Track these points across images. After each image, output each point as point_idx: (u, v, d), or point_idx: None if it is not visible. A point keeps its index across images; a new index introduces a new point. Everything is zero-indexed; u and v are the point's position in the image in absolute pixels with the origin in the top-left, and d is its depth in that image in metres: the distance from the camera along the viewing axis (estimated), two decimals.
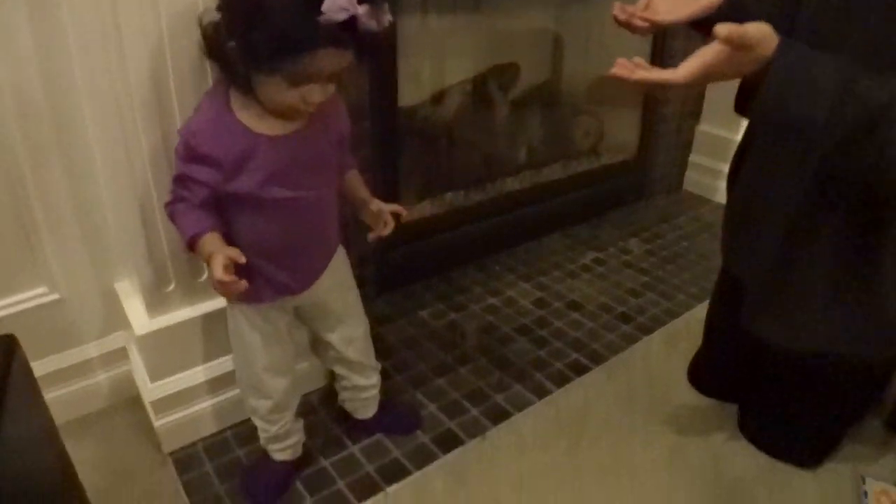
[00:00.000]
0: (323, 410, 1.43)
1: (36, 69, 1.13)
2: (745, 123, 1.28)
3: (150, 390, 1.27)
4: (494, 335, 1.70)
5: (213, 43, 0.92)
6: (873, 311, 1.13)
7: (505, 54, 2.23)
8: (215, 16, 0.92)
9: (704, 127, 2.52)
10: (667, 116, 2.39)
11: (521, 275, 1.98)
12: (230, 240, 1.01)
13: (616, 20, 1.13)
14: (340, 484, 1.26)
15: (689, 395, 1.51)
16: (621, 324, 1.76)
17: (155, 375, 1.28)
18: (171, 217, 1.03)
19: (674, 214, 2.42)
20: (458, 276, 1.97)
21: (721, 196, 1.34)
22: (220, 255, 0.94)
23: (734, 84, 1.08)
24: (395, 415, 1.39)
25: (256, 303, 1.10)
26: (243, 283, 0.95)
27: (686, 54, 0.90)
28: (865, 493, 1.26)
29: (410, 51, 1.75)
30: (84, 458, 1.28)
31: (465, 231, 1.98)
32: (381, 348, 1.62)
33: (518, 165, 2.22)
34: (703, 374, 1.52)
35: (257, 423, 1.22)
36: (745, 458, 1.35)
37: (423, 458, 1.32)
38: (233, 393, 1.34)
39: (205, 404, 1.33)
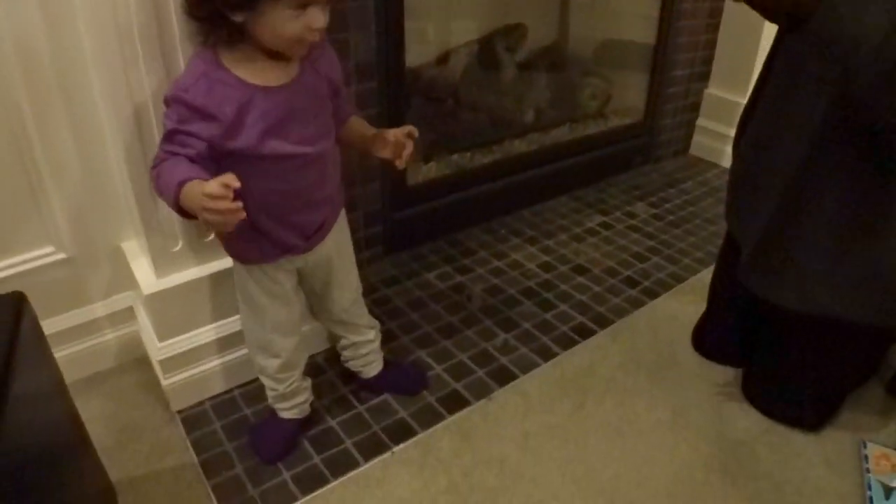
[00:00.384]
0: (330, 371, 1.44)
1: (38, 18, 1.12)
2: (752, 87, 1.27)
3: (158, 350, 1.28)
4: (500, 298, 1.70)
5: None
6: (877, 276, 1.14)
7: (513, 15, 2.20)
8: None
9: (713, 90, 2.49)
10: (675, 79, 2.37)
11: (527, 238, 1.98)
12: (245, 206, 1.00)
13: None
14: (347, 443, 1.27)
15: (693, 358, 1.52)
16: (627, 287, 1.77)
17: (162, 335, 1.28)
18: (157, 178, 0.94)
19: (680, 179, 2.41)
20: (464, 237, 1.96)
21: (728, 160, 1.33)
22: (212, 182, 0.85)
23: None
24: (401, 375, 1.40)
25: (262, 263, 1.10)
26: (240, 209, 0.85)
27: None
28: (866, 457, 1.27)
29: (418, 10, 1.73)
30: (93, 415, 1.31)
31: (471, 193, 1.97)
32: (388, 310, 1.64)
33: (525, 127, 2.20)
34: (707, 338, 1.52)
35: (265, 382, 1.23)
36: (747, 420, 1.36)
37: (429, 419, 1.33)
38: (241, 352, 1.34)
39: (213, 364, 1.34)
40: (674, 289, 1.76)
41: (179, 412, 1.33)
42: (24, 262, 1.27)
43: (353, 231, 1.66)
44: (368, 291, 1.67)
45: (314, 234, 1.11)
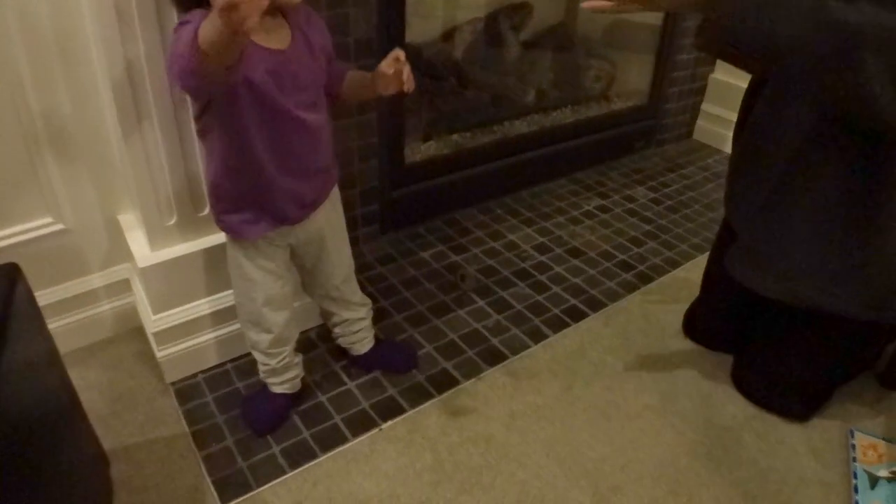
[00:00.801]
0: (322, 346, 1.45)
1: None
2: None
3: (153, 322, 1.30)
4: (494, 279, 1.71)
5: None
6: (861, 269, 1.14)
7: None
8: None
9: (719, 75, 2.47)
10: (681, 63, 2.35)
11: (523, 219, 1.98)
12: (231, 163, 1.01)
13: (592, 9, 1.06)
14: (337, 418, 1.29)
15: (683, 344, 1.53)
16: (621, 271, 1.77)
17: (157, 308, 1.30)
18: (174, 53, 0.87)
19: (682, 163, 2.41)
20: (461, 217, 1.97)
21: (730, 146, 1.34)
22: None
23: None
24: (392, 353, 1.42)
25: (255, 237, 1.10)
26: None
27: None
28: (853, 446, 1.28)
29: None
30: (89, 384, 1.33)
31: (469, 173, 1.97)
32: (383, 288, 1.65)
33: (527, 108, 2.20)
34: (699, 323, 1.53)
35: (257, 356, 1.25)
36: (734, 407, 1.38)
37: (417, 397, 1.35)
38: (234, 327, 1.36)
39: (206, 337, 1.36)
40: (668, 274, 1.77)
41: (173, 384, 1.35)
42: (23, 231, 1.28)
43: (350, 208, 1.68)
44: (363, 269, 1.69)
45: (307, 205, 1.12)
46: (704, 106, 2.55)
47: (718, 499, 1.18)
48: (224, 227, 1.12)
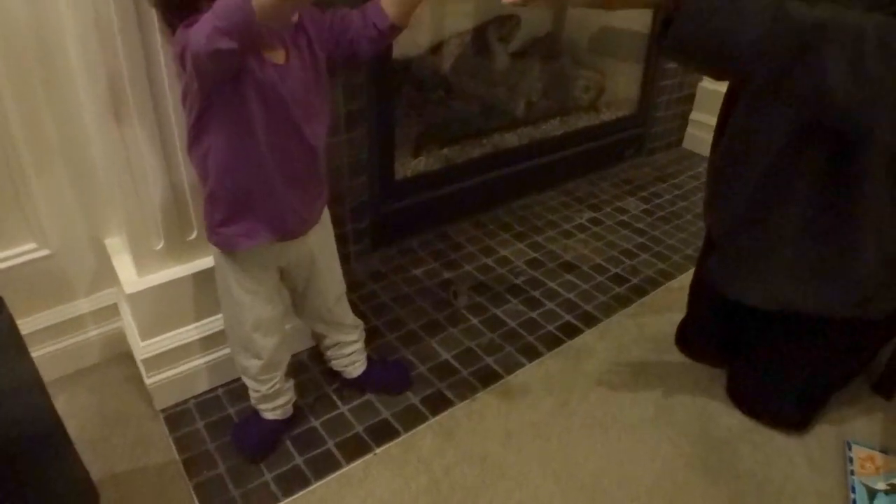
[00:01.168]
0: (314, 368, 1.44)
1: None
2: None
3: (142, 348, 1.28)
4: (487, 295, 1.70)
5: None
6: (841, 267, 1.14)
7: (506, 5, 2.17)
8: None
9: (707, 83, 2.48)
10: (669, 71, 2.35)
11: (515, 233, 1.97)
12: (232, 163, 0.99)
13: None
14: (330, 443, 1.27)
15: (679, 357, 1.52)
16: (615, 285, 1.76)
17: (146, 334, 1.28)
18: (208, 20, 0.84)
19: (672, 172, 2.41)
20: (453, 232, 1.96)
21: None
22: None
23: None
24: (385, 374, 1.40)
25: (250, 244, 1.07)
26: None
27: None
28: (851, 459, 1.27)
29: None
30: (76, 411, 1.31)
31: (460, 186, 1.96)
32: (375, 305, 1.63)
33: (516, 120, 2.19)
34: (691, 337, 1.52)
35: (248, 382, 1.23)
36: (731, 419, 1.37)
37: (412, 419, 1.33)
38: (224, 351, 1.34)
39: (196, 362, 1.34)
40: (662, 286, 1.76)
41: (163, 410, 1.33)
42: (7, 258, 1.26)
43: (341, 225, 1.66)
44: (355, 287, 1.68)
45: (303, 220, 1.11)
46: (693, 114, 2.55)
47: None
48: (218, 241, 1.08)
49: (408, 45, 1.97)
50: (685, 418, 1.36)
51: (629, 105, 2.38)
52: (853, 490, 1.21)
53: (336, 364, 1.36)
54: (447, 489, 1.19)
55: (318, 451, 1.26)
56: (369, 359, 1.39)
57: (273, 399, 1.24)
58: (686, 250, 1.92)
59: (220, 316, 1.30)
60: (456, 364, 1.47)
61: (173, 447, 1.26)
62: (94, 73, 1.06)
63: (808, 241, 1.14)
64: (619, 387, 1.43)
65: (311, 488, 1.19)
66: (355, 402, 1.36)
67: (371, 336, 1.47)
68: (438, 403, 1.37)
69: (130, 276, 1.24)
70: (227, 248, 1.09)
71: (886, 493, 1.21)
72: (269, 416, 1.25)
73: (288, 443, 1.27)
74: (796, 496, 1.21)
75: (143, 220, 1.19)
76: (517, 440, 1.29)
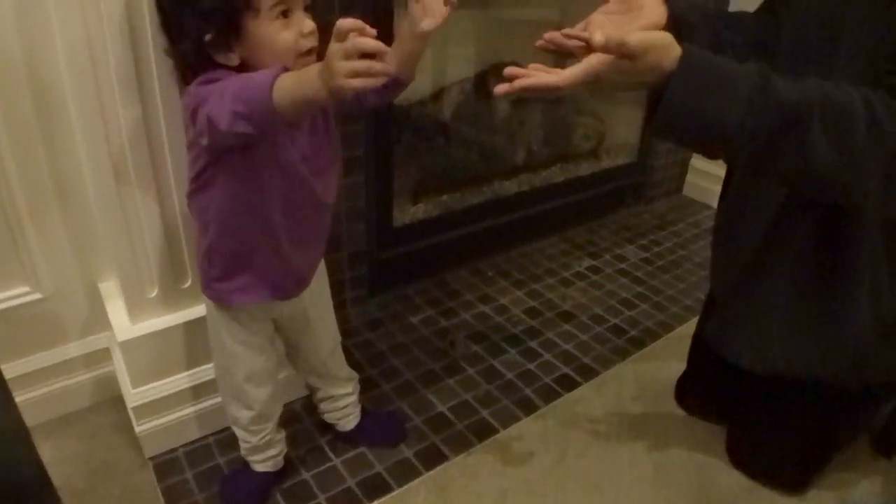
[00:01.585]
0: (307, 419, 1.41)
1: (14, 36, 1.09)
2: None
3: (132, 396, 1.26)
4: (485, 344, 1.68)
5: (176, 26, 0.89)
6: (833, 335, 1.14)
7: (506, 52, 2.19)
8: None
9: None
10: None
11: (514, 281, 1.96)
12: (236, 220, 0.98)
13: (544, 49, 1.04)
14: (321, 497, 1.24)
15: (678, 413, 1.50)
16: (613, 336, 1.75)
17: (137, 381, 1.26)
18: (220, 98, 0.82)
19: (672, 220, 2.40)
20: (451, 279, 1.95)
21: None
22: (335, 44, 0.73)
23: None
24: (379, 426, 1.38)
25: (245, 302, 1.06)
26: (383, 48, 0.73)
27: None
28: None
29: None
30: (63, 457, 1.29)
31: (459, 233, 1.95)
32: (371, 355, 1.61)
33: (516, 167, 2.19)
34: (690, 393, 1.51)
35: (238, 433, 1.21)
36: (729, 479, 1.34)
37: (405, 474, 1.30)
38: (215, 400, 1.32)
39: (187, 411, 1.32)
40: (661, 339, 1.74)
41: (152, 458, 1.30)
42: None
43: (338, 272, 1.65)
44: (351, 334, 1.66)
45: (302, 279, 1.10)
46: (693, 162, 2.56)
47: None
48: (212, 295, 1.08)
49: (408, 91, 1.96)
50: (683, 478, 1.34)
51: (629, 152, 2.39)
52: None
53: (329, 417, 1.33)
54: None
55: None
56: (364, 409, 1.37)
57: (264, 450, 1.21)
58: (685, 301, 1.91)
59: (211, 364, 1.28)
60: (451, 416, 1.45)
61: (161, 498, 1.23)
62: (92, 124, 1.06)
63: (802, 305, 1.14)
64: (617, 443, 1.40)
65: None
66: (348, 455, 1.34)
67: (366, 386, 1.45)
68: (433, 458, 1.34)
69: (123, 323, 1.23)
70: (221, 303, 1.08)
71: None
72: (259, 467, 1.23)
73: (278, 496, 1.24)
74: None
75: (138, 268, 1.18)
76: (512, 499, 1.27)
